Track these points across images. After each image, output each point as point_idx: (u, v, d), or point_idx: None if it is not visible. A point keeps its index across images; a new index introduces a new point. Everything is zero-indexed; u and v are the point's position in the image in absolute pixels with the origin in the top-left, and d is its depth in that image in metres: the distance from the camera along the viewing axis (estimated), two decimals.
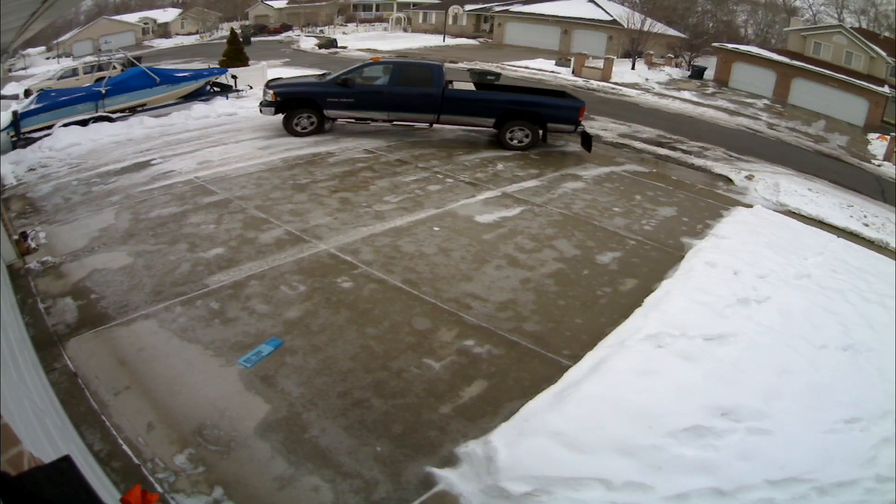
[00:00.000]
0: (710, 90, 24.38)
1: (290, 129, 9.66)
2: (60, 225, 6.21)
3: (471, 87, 10.61)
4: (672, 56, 29.27)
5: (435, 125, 10.06)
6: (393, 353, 4.13)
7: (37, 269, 5.19)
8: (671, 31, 30.59)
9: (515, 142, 9.82)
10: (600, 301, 5.09)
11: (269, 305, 4.64)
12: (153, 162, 8.27)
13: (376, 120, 9.89)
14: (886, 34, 28.11)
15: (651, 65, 27.60)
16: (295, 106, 9.57)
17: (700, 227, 7.06)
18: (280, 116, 9.84)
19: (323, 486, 3.02)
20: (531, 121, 9.70)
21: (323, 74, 10.32)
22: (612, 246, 6.23)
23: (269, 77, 13.21)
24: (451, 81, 10.27)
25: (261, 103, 9.77)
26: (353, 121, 10.02)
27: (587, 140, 9.97)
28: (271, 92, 9.48)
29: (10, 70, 32.06)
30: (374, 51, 31.00)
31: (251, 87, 13.81)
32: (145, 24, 48.59)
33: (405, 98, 9.51)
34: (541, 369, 4.05)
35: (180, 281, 4.97)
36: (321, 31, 44.39)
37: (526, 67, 25.01)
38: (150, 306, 4.57)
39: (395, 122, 9.99)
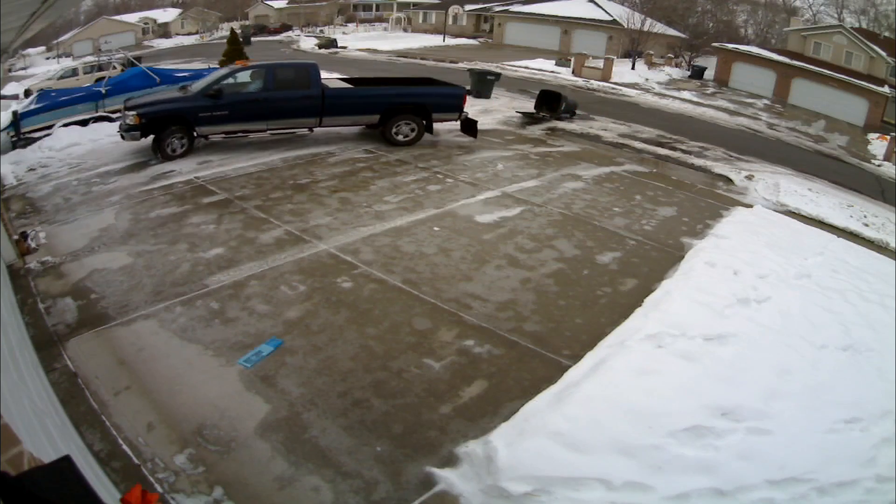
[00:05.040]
0: (710, 90, 24.37)
1: (163, 153, 8.24)
2: (60, 225, 6.22)
3: (348, 84, 9.96)
4: (672, 56, 29.24)
5: (317, 129, 9.34)
6: (393, 353, 4.13)
7: (37, 269, 5.19)
8: (671, 31, 30.57)
9: (401, 137, 9.49)
10: (600, 301, 5.09)
11: (269, 305, 4.64)
12: (152, 162, 8.27)
13: (253, 131, 8.95)
14: (886, 34, 28.08)
15: (651, 65, 27.57)
16: (163, 126, 8.19)
17: (700, 227, 7.06)
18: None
19: (323, 486, 3.02)
20: (416, 113, 9.46)
21: (184, 86, 9.08)
22: (612, 246, 6.23)
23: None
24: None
25: (122, 128, 8.25)
26: (226, 136, 8.88)
27: (471, 126, 9.79)
28: (133, 114, 7.96)
29: (10, 70, 32.06)
30: (375, 51, 30.98)
31: None
32: (145, 24, 48.59)
33: (284, 103, 8.69)
34: (541, 369, 4.05)
35: (180, 281, 4.97)
36: (321, 31, 44.38)
37: (526, 67, 24.99)
38: (150, 306, 4.57)
39: (274, 132, 9.09)
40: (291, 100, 8.74)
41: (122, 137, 8.33)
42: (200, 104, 8.30)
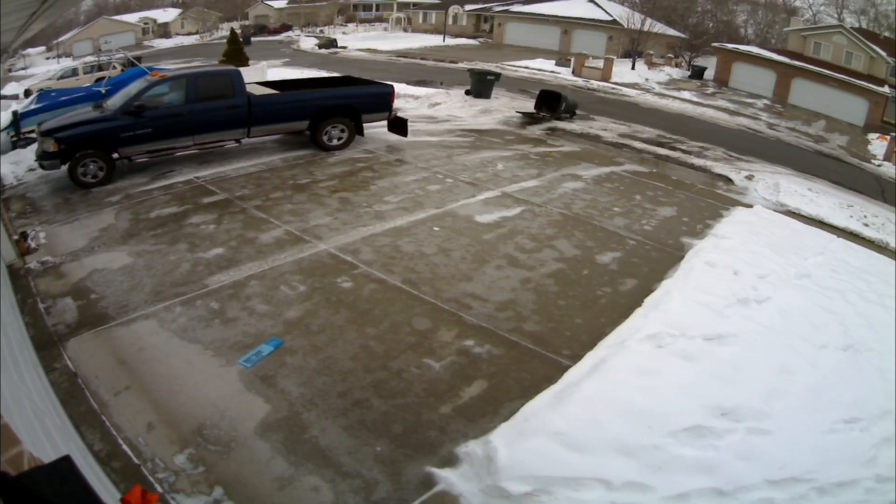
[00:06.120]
0: (710, 90, 24.36)
1: (77, 180, 7.34)
2: (60, 225, 6.22)
3: (272, 90, 9.32)
4: (672, 56, 29.23)
5: (244, 140, 8.75)
6: (393, 353, 4.13)
7: (37, 269, 5.19)
8: (671, 31, 30.57)
9: (333, 141, 9.17)
10: (600, 301, 5.09)
11: (269, 305, 4.64)
12: (153, 163, 8.26)
13: (179, 147, 8.19)
14: (886, 34, 28.08)
15: (651, 65, 27.57)
16: (83, 150, 7.31)
17: (700, 227, 7.06)
18: None
19: (323, 486, 3.02)
20: (346, 116, 9.17)
21: (98, 104, 8.27)
22: (612, 246, 6.23)
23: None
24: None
25: (39, 157, 7.40)
26: (150, 155, 7.95)
27: (401, 125, 9.62)
28: (51, 140, 7.10)
29: (10, 70, 32.07)
30: (375, 51, 30.96)
31: None
32: (145, 24, 48.63)
33: (209, 115, 8.07)
34: (541, 369, 4.05)
35: (180, 281, 4.97)
36: (321, 31, 44.39)
37: (526, 67, 24.98)
38: (150, 306, 4.57)
39: (202, 147, 8.47)
40: (216, 110, 8.14)
41: (42, 167, 7.43)
42: (123, 123, 7.50)
